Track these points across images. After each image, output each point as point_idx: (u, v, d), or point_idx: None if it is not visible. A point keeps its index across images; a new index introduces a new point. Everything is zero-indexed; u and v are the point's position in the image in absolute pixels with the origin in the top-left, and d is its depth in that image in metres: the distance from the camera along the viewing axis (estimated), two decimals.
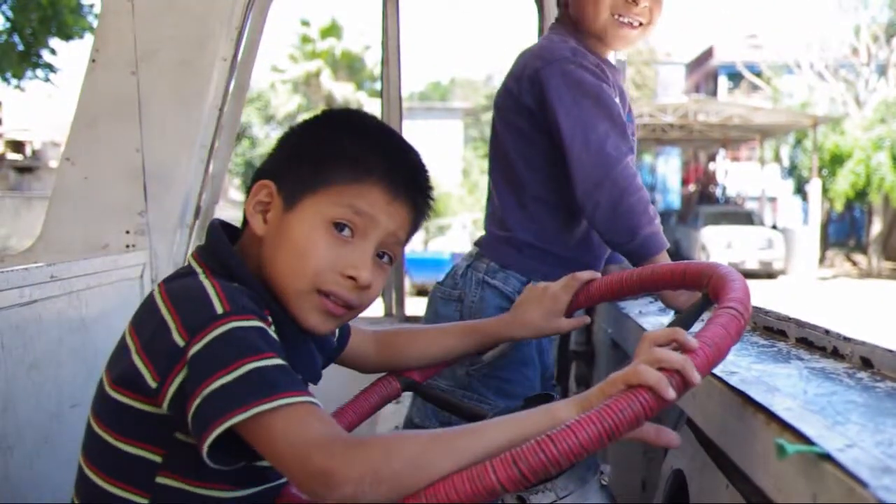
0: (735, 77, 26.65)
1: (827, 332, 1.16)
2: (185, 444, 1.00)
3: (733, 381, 0.97)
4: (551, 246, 1.71)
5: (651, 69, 30.43)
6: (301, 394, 0.93)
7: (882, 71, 20.70)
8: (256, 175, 1.15)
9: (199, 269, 1.06)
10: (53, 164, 20.98)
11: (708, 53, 29.18)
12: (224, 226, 1.15)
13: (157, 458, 1.02)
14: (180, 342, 0.96)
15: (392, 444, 0.89)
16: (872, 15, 21.05)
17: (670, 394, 0.84)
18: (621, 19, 1.69)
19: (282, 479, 1.10)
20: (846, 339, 1.11)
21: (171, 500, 1.02)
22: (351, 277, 1.08)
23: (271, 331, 1.00)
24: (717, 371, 0.99)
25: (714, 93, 28.14)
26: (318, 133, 1.14)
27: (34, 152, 23.47)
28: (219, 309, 0.97)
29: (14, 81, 12.17)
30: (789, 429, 0.78)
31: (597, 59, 1.69)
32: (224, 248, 1.09)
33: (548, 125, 1.65)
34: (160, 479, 1.02)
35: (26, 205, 16.22)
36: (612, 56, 1.83)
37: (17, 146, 23.48)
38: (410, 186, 1.13)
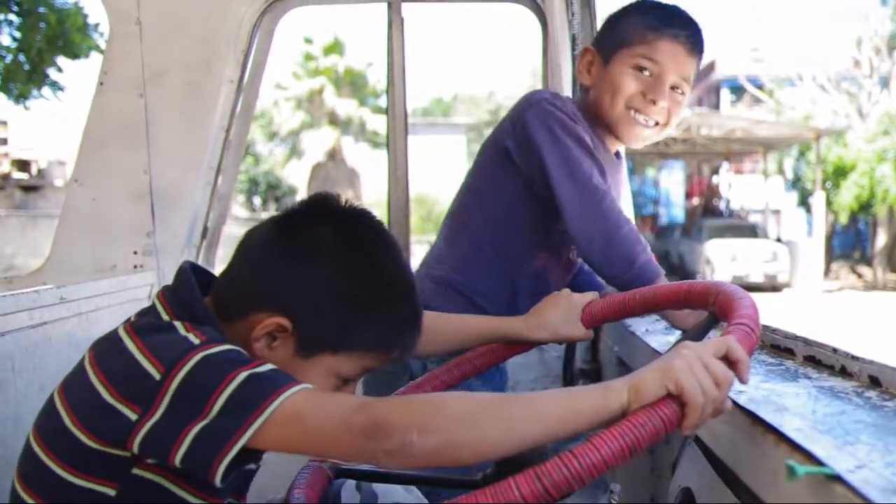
0: (737, 90, 26.67)
1: (835, 350, 1.17)
2: (140, 478, 1.00)
3: (742, 400, 0.98)
4: (474, 295, 1.68)
5: None
6: (296, 382, 0.93)
7: (885, 83, 20.70)
8: (247, 297, 1.07)
9: (162, 310, 1.06)
10: (59, 182, 21.07)
11: (710, 67, 29.22)
12: (195, 270, 1.13)
13: (111, 492, 1.00)
14: (157, 376, 0.94)
15: (443, 400, 0.90)
16: (874, 27, 21.08)
17: (696, 421, 0.85)
18: (637, 116, 1.64)
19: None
20: (854, 358, 1.11)
21: None
22: None
23: None
24: None
25: (716, 106, 28.16)
26: (351, 279, 1.09)
27: (40, 171, 23.57)
28: (194, 341, 0.97)
29: (21, 101, 12.23)
30: (799, 449, 0.78)
31: (589, 130, 1.65)
32: (191, 292, 1.07)
33: (528, 167, 1.62)
34: None
35: (32, 223, 16.28)
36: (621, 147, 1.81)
37: (23, 165, 23.59)
38: (419, 332, 1.16)
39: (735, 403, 0.97)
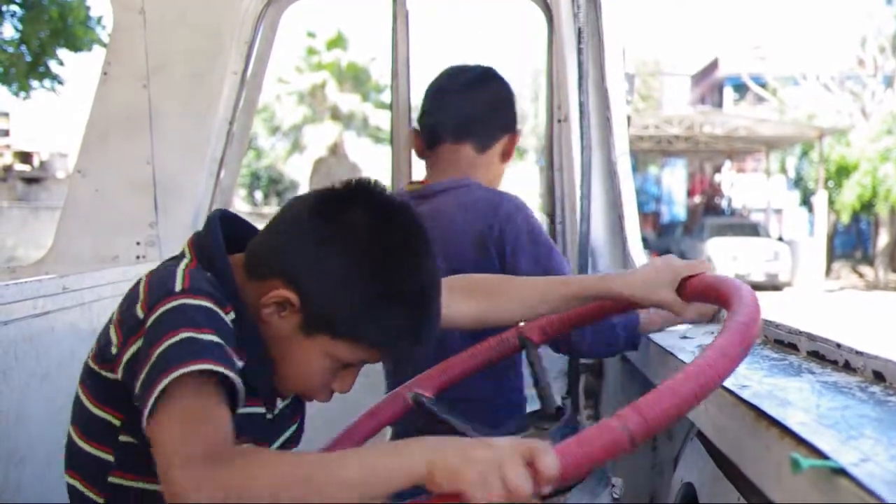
0: (740, 88, 26.65)
1: (839, 345, 1.16)
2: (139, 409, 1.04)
3: (745, 394, 0.98)
4: None
5: (656, 81, 30.45)
6: (223, 366, 0.94)
7: (888, 82, 20.67)
8: (272, 265, 1.08)
9: (187, 257, 1.11)
10: (61, 174, 21.08)
11: (713, 65, 29.20)
12: (231, 220, 1.17)
13: (117, 422, 1.08)
14: (140, 315, 1.02)
15: (254, 471, 0.86)
16: (878, 26, 21.04)
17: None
18: None
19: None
20: (858, 353, 1.11)
21: (133, 459, 1.07)
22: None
23: (228, 318, 1.03)
24: (728, 384, 0.99)
25: (719, 104, 28.15)
26: (368, 270, 1.07)
27: (42, 163, 23.58)
28: (177, 287, 1.02)
29: (22, 93, 12.23)
30: (803, 443, 0.78)
31: None
32: (213, 243, 1.11)
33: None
34: (122, 438, 1.08)
35: (34, 215, 16.29)
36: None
37: (25, 157, 23.60)
38: (429, 338, 1.14)
39: (738, 397, 0.97)
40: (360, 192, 1.11)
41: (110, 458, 1.08)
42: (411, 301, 1.09)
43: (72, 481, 1.12)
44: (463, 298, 1.34)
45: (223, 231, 1.13)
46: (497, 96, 1.85)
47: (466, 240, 1.69)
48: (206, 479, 0.85)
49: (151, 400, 0.92)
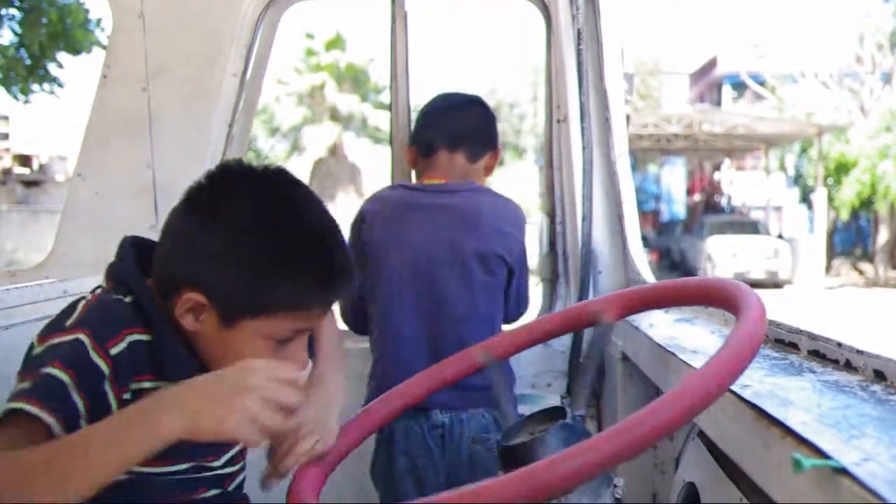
0: (739, 87, 26.64)
1: (839, 344, 1.16)
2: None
3: (746, 394, 0.98)
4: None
5: (655, 79, 30.43)
6: (36, 405, 0.94)
7: (887, 79, 20.68)
8: (173, 275, 1.08)
9: (103, 285, 1.13)
10: (60, 178, 21.07)
11: (712, 63, 29.18)
12: (140, 245, 1.16)
13: None
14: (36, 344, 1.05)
15: None
16: (876, 23, 21.04)
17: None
18: None
19: (208, 456, 1.16)
20: (859, 352, 1.11)
21: None
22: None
23: (129, 340, 1.05)
24: None
25: (718, 102, 28.13)
26: (251, 242, 1.06)
27: (41, 166, 23.58)
28: (66, 323, 1.04)
29: (21, 96, 12.22)
30: (805, 443, 0.78)
31: None
32: (126, 270, 1.12)
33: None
34: None
35: (33, 218, 16.30)
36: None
37: (24, 160, 23.60)
38: (342, 287, 1.12)
39: (740, 397, 0.97)
40: (220, 175, 1.11)
41: None
42: (303, 252, 1.07)
43: None
44: None
45: (140, 256, 1.13)
46: (483, 117, 2.05)
47: (493, 239, 1.89)
48: None
49: None
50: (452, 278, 1.85)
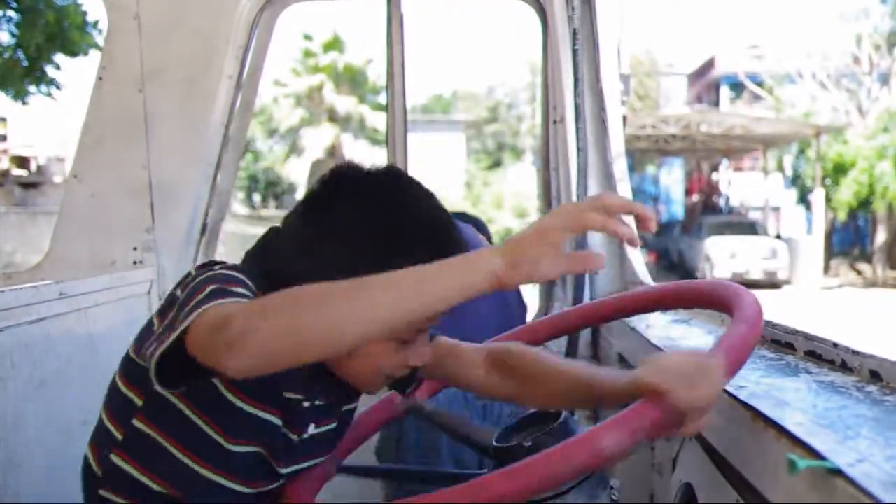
0: (737, 87, 26.65)
1: (835, 345, 1.16)
2: (158, 393, 1.04)
3: (742, 395, 0.98)
4: None
5: (653, 80, 30.46)
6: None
7: (884, 80, 20.69)
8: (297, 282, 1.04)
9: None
10: (58, 179, 21.05)
11: (710, 64, 29.20)
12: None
13: (138, 401, 1.08)
14: (178, 293, 1.00)
15: (290, 290, 0.87)
16: (874, 24, 21.06)
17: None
18: None
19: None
20: (855, 353, 1.11)
21: (137, 444, 1.08)
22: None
23: None
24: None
25: (716, 103, 28.14)
26: (371, 246, 1.05)
27: (39, 168, 23.55)
28: (217, 267, 1.04)
29: (19, 98, 12.20)
30: (800, 444, 0.78)
31: None
32: (254, 262, 1.12)
33: None
34: (135, 422, 1.08)
35: (31, 220, 16.28)
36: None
37: (22, 162, 23.57)
38: None
39: (735, 398, 0.97)
40: (335, 182, 1.11)
41: (119, 436, 1.09)
42: (421, 247, 1.05)
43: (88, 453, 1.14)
44: (500, 376, 1.25)
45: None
46: None
47: None
48: (244, 305, 0.87)
49: (175, 334, 0.91)
50: None
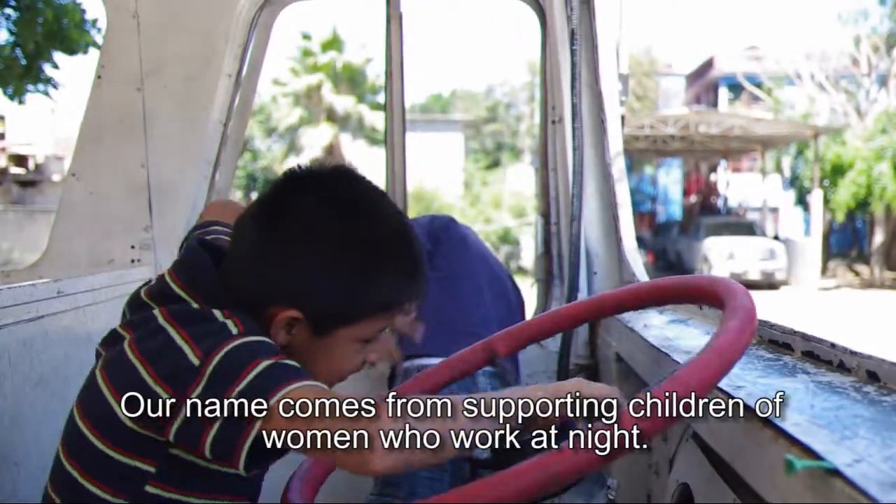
0: (736, 88, 26.67)
1: (833, 345, 1.16)
2: (177, 457, 1.02)
3: (740, 395, 0.97)
4: None
5: (652, 81, 30.47)
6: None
7: (883, 81, 20.71)
8: (263, 294, 1.06)
9: (187, 297, 1.06)
10: (56, 177, 21.03)
11: (708, 65, 29.22)
12: (204, 246, 1.13)
13: (151, 469, 1.03)
14: (195, 361, 0.96)
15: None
16: (873, 25, 21.10)
17: None
18: None
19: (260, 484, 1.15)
20: (852, 353, 1.11)
21: None
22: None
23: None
24: (723, 385, 0.99)
25: (715, 104, 28.16)
26: (348, 267, 1.07)
27: (37, 166, 23.51)
28: (233, 330, 1.00)
29: (16, 97, 12.18)
30: (797, 444, 0.78)
31: None
32: (211, 281, 1.08)
33: None
34: (149, 488, 1.04)
35: (29, 218, 16.26)
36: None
37: (20, 160, 23.53)
38: (425, 275, 1.14)
39: (733, 398, 0.97)
40: (293, 183, 1.11)
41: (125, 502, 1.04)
42: (391, 250, 1.09)
43: None
44: None
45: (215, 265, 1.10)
46: None
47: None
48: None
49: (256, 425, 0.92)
50: None
